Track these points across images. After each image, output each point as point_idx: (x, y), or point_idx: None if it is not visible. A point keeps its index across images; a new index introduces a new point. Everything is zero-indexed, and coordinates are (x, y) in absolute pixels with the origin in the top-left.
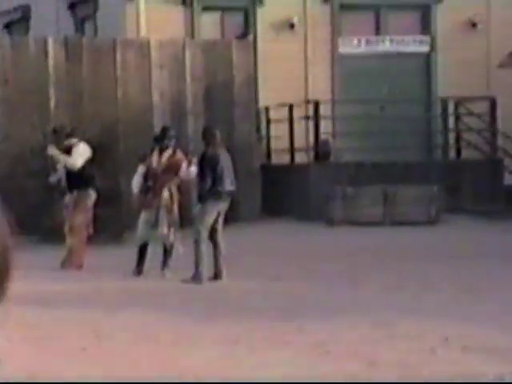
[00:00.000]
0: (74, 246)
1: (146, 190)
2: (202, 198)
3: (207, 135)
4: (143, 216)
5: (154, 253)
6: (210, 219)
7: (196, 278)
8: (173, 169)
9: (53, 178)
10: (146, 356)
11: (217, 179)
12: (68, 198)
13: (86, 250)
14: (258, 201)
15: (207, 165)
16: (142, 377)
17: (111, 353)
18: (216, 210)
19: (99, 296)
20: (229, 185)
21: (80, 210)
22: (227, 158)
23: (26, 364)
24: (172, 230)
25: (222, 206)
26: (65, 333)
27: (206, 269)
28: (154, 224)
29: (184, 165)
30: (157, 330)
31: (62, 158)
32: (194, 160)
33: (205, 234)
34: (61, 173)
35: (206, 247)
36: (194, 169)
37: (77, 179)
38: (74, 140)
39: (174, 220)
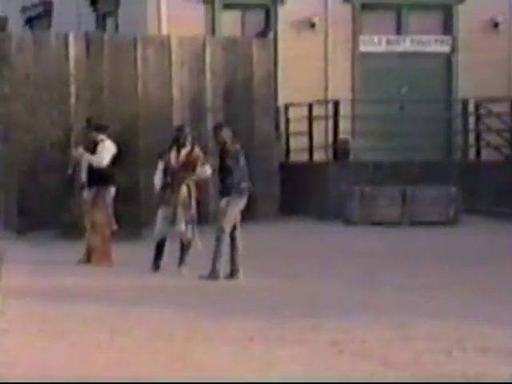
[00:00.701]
0: (96, 244)
1: (164, 186)
2: (226, 194)
3: (217, 134)
4: (161, 212)
5: (171, 249)
6: (234, 216)
7: (212, 274)
8: (190, 165)
9: (69, 171)
10: (160, 352)
11: (241, 175)
12: (87, 194)
13: (111, 247)
14: (277, 199)
15: (232, 160)
16: (154, 373)
17: (126, 348)
18: (240, 207)
19: (116, 291)
20: (248, 180)
21: (99, 207)
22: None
23: (40, 357)
24: (189, 226)
25: (244, 201)
26: (80, 327)
27: (223, 267)
28: (172, 220)
29: (202, 163)
30: (172, 327)
31: (87, 157)
32: (207, 165)
33: (228, 231)
34: (83, 168)
35: (226, 245)
36: (208, 168)
37: (97, 175)
38: (101, 135)
39: (192, 216)
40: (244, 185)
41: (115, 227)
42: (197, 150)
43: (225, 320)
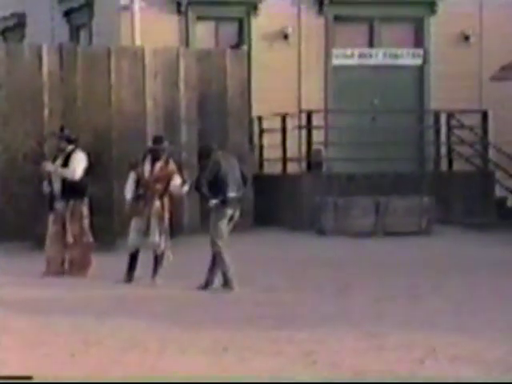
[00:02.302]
0: (76, 256)
1: (137, 197)
2: (213, 207)
3: (203, 155)
4: (134, 223)
5: (144, 260)
6: (222, 227)
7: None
8: (165, 179)
9: (45, 190)
10: (133, 363)
11: (221, 186)
12: (61, 207)
13: (91, 259)
14: (250, 210)
15: (209, 172)
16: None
17: (99, 360)
18: (225, 218)
19: (89, 303)
20: (233, 191)
21: (77, 220)
22: (230, 164)
23: (12, 370)
24: (163, 238)
25: (230, 213)
26: (54, 339)
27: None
28: (146, 232)
29: (177, 179)
30: (145, 338)
31: (59, 171)
32: (188, 181)
33: (222, 242)
34: (55, 180)
35: (227, 254)
36: (186, 188)
37: (71, 188)
38: (71, 146)
39: (165, 228)
40: (225, 196)
41: (90, 239)
42: (171, 164)
43: (198, 331)
